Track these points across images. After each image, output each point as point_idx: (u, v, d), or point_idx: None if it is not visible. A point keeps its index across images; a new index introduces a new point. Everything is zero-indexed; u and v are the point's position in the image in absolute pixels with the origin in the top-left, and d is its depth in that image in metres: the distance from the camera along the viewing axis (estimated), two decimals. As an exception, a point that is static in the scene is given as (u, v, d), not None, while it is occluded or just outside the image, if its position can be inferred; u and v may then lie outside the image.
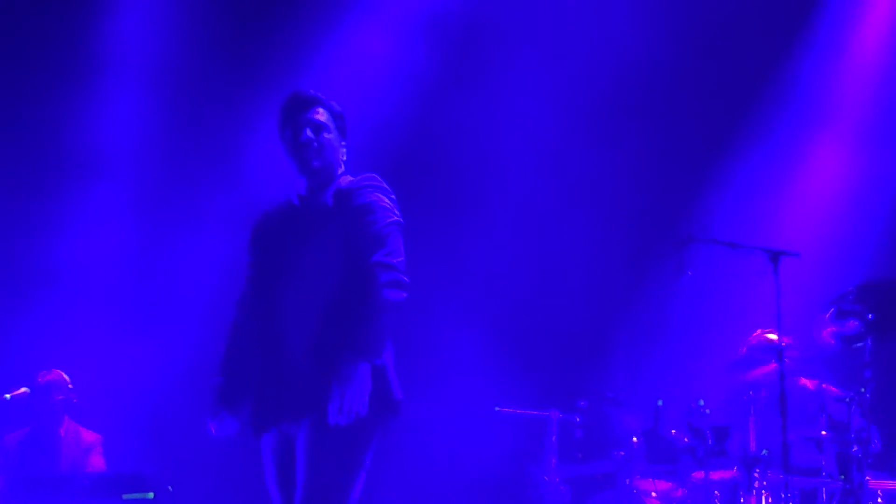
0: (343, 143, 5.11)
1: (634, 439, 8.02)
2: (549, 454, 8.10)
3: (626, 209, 9.64)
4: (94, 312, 9.65)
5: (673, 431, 7.83)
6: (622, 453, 8.03)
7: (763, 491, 7.36)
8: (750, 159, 9.64)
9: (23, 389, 8.33)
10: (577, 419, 8.15)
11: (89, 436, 8.83)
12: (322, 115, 5.06)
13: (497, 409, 8.39)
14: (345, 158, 5.11)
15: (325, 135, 5.04)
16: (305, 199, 5.00)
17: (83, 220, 9.64)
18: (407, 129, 9.66)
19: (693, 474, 7.85)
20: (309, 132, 5.01)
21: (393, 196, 4.92)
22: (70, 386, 8.74)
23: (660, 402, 7.93)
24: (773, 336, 7.47)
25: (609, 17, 9.54)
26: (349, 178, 5.01)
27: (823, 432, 7.40)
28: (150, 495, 7.32)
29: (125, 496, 7.31)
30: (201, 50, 9.76)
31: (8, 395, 8.21)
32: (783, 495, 7.27)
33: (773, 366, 7.17)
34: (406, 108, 9.67)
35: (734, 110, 9.61)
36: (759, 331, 8.04)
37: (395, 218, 4.84)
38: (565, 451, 8.13)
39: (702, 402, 7.71)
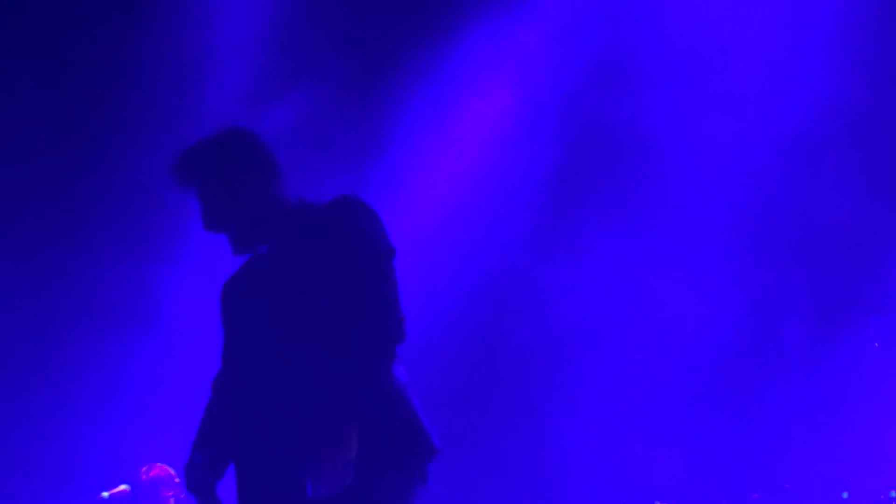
0: (244, 173, 4.15)
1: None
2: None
3: (804, 271, 9.14)
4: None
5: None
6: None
7: None
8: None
9: (122, 487, 7.73)
10: (750, 515, 8.17)
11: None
12: (197, 183, 4.21)
13: (656, 503, 8.16)
14: (257, 189, 4.17)
15: (213, 204, 4.20)
16: (267, 249, 4.23)
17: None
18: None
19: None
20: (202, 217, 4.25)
21: (375, 213, 4.08)
22: (177, 480, 8.03)
23: (845, 495, 7.74)
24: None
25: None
26: (305, 206, 4.20)
27: None
28: None
29: None
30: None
31: (106, 494, 7.62)
32: None
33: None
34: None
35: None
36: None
37: (383, 245, 3.99)
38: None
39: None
